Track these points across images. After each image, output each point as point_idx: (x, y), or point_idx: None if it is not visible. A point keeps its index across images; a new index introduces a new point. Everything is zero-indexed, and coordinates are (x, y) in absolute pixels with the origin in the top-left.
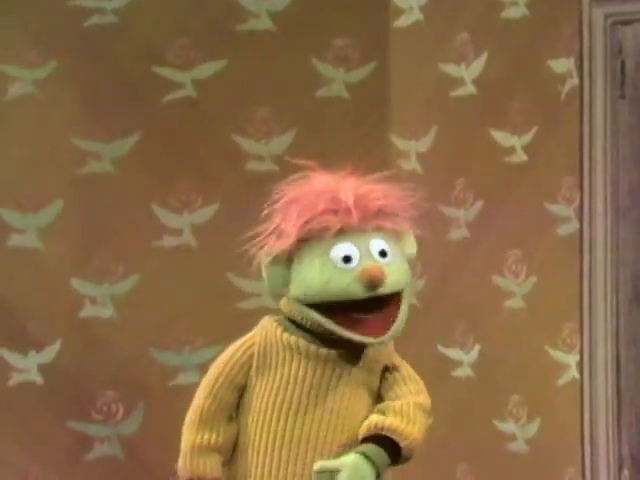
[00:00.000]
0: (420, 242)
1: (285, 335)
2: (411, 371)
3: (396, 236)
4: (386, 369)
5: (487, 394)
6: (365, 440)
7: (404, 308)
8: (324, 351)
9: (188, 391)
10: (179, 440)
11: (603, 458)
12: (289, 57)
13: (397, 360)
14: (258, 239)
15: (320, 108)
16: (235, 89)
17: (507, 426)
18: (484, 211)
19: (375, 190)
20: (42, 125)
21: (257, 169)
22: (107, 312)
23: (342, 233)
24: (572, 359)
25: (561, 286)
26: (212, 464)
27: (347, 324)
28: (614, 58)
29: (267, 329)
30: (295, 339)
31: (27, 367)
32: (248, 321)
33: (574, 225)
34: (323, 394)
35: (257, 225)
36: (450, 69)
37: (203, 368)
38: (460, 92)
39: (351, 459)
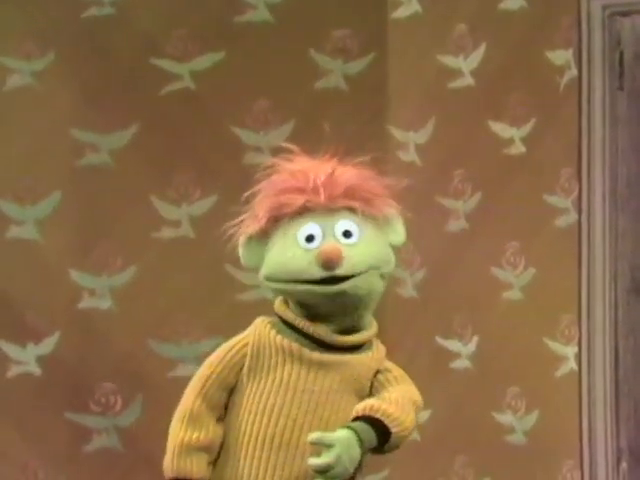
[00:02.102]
0: (412, 228)
1: (279, 338)
2: (403, 373)
3: (374, 221)
4: (378, 371)
5: (485, 386)
6: (357, 419)
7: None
8: (317, 355)
9: (187, 383)
10: None
11: (601, 450)
12: (287, 48)
13: (389, 364)
14: (238, 221)
15: (318, 99)
16: (233, 81)
17: (505, 418)
18: (482, 202)
19: (348, 171)
20: (40, 117)
21: (255, 161)
22: (105, 304)
23: (310, 212)
24: (570, 351)
25: (559, 278)
26: (199, 464)
27: None
28: (612, 49)
29: (261, 330)
30: (288, 342)
31: (25, 359)
32: (247, 313)
33: (572, 216)
34: (315, 399)
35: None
36: (448, 60)
37: (202, 360)
38: (458, 83)
39: (345, 436)
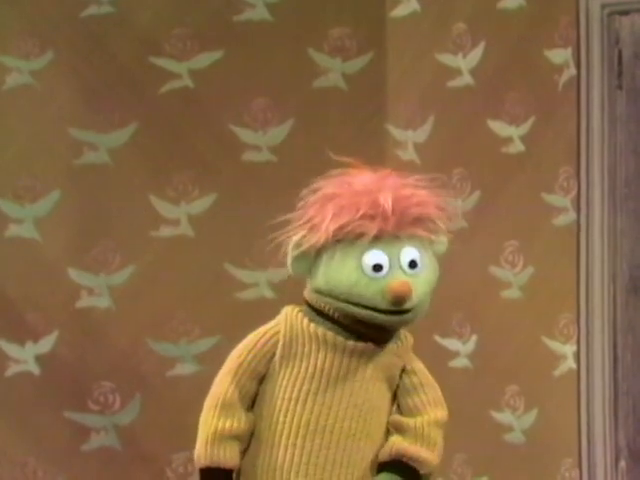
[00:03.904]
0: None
1: (312, 326)
2: (428, 376)
3: (430, 241)
4: (404, 370)
5: (484, 384)
6: (384, 464)
7: (423, 290)
8: (351, 343)
9: (185, 381)
10: (176, 430)
11: (600, 449)
12: (286, 47)
13: (416, 364)
14: (289, 227)
15: (317, 98)
16: (232, 79)
17: (504, 417)
18: (481, 201)
19: (414, 195)
20: (39, 116)
21: (254, 159)
22: (104, 302)
23: (376, 238)
24: (569, 349)
25: (558, 276)
26: (232, 452)
27: None
28: (611, 48)
29: (292, 319)
30: (322, 330)
31: (24, 358)
32: (246, 311)
33: (571, 215)
34: (349, 386)
35: (255, 215)
36: (447, 59)
37: (200, 359)
38: (457, 82)
39: None
